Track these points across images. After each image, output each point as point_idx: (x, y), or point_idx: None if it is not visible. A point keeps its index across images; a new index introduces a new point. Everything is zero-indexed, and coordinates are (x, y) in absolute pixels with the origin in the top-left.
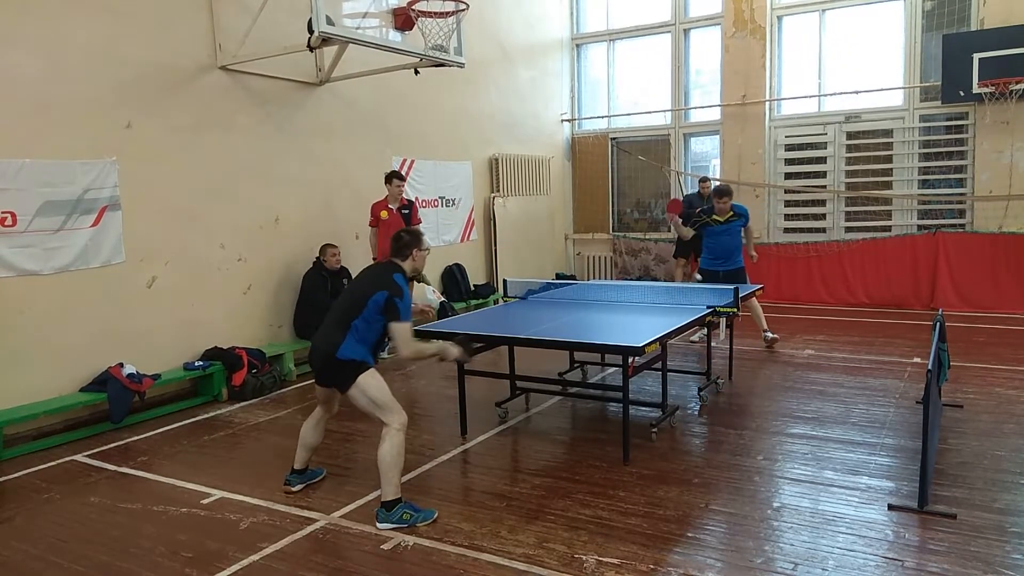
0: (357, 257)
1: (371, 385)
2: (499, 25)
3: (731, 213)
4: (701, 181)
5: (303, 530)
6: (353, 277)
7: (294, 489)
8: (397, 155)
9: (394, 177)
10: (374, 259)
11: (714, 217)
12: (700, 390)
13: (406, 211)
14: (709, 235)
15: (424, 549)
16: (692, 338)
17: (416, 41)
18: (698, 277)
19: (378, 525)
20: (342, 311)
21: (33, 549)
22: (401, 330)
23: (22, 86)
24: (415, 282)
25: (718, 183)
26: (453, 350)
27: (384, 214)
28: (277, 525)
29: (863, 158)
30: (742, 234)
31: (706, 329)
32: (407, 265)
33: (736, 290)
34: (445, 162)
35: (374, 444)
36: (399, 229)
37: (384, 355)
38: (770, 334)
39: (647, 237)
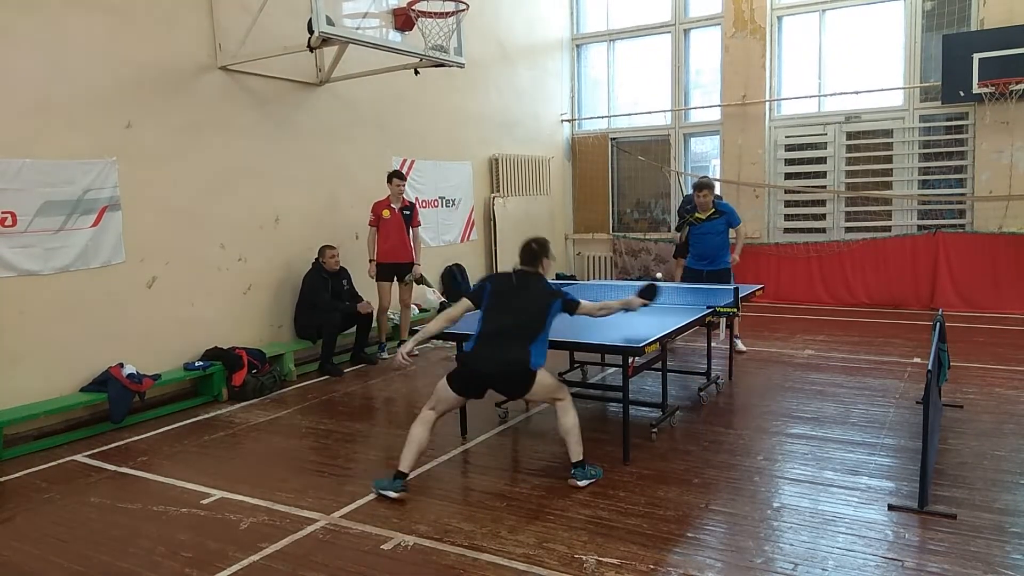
0: (357, 257)
1: (544, 375)
2: (499, 25)
3: (713, 210)
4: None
5: (303, 530)
6: (489, 286)
7: (395, 495)
8: (397, 155)
9: (395, 177)
10: (371, 260)
11: (696, 215)
12: (700, 390)
13: (407, 212)
14: (693, 234)
15: (424, 549)
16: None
17: (416, 41)
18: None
19: (577, 483)
20: (519, 329)
21: (33, 549)
22: (585, 304)
23: (22, 86)
24: (415, 284)
25: (717, 183)
26: (636, 301)
27: (386, 213)
28: (277, 525)
29: (863, 158)
30: (730, 234)
31: (726, 331)
32: (540, 271)
33: (736, 290)
34: (445, 162)
35: (374, 444)
36: (528, 239)
37: (384, 355)
38: (740, 344)
39: (647, 237)
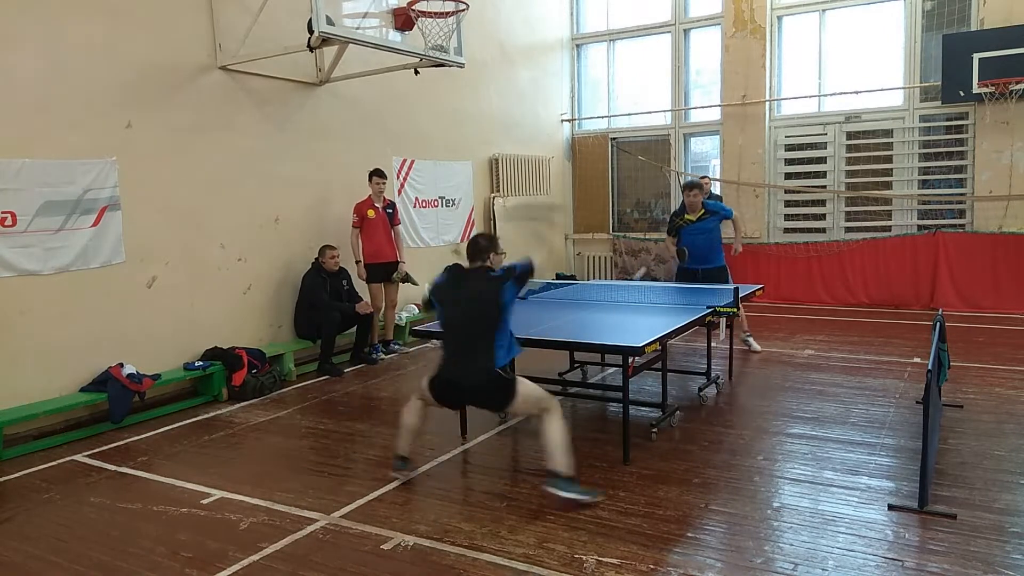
0: (354, 258)
1: (526, 387)
2: (499, 25)
3: (703, 211)
4: (701, 179)
5: (303, 530)
6: (457, 293)
7: (401, 476)
8: (397, 155)
9: (375, 175)
10: (357, 261)
11: (686, 217)
12: (700, 390)
13: (390, 211)
14: (684, 235)
15: (424, 549)
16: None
17: (416, 41)
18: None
19: (562, 495)
20: (477, 330)
21: (33, 549)
22: (528, 262)
23: (22, 86)
24: (411, 283)
25: (717, 182)
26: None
27: (371, 213)
28: (277, 525)
29: (863, 158)
30: (720, 232)
31: (726, 331)
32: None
33: (736, 290)
34: (445, 162)
35: (374, 444)
36: (475, 235)
37: (382, 356)
38: (752, 341)
39: (647, 237)
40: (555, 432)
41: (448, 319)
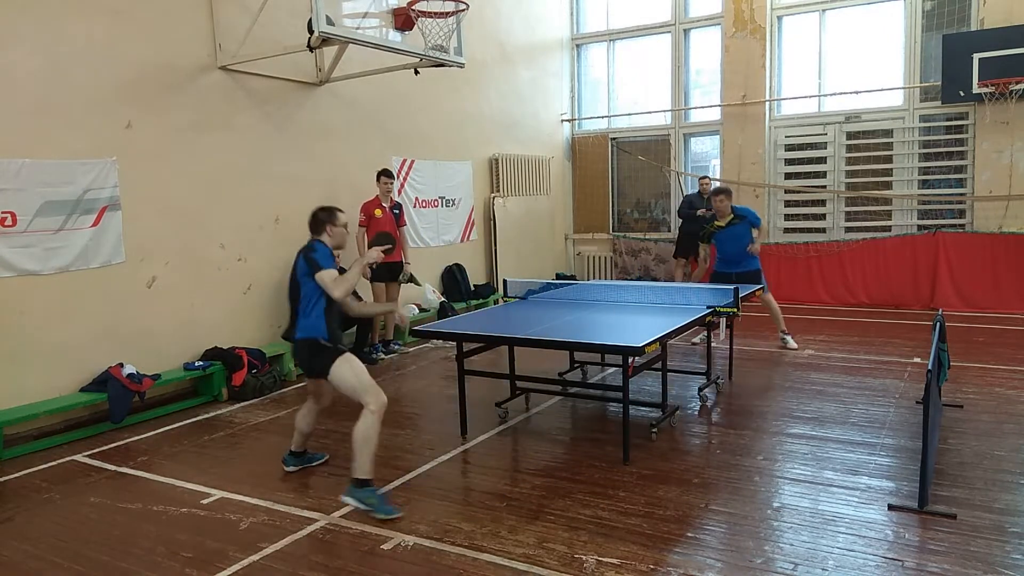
0: (356, 257)
1: (346, 369)
2: (499, 25)
3: (732, 216)
4: (701, 179)
5: (303, 530)
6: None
7: (288, 469)
8: (397, 155)
9: (384, 175)
10: None
11: (716, 223)
12: (700, 390)
13: (396, 211)
14: (717, 240)
15: (424, 549)
16: (693, 340)
17: (416, 41)
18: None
19: (342, 497)
20: (292, 302)
21: (33, 549)
22: (326, 275)
23: (22, 86)
24: (415, 284)
25: (717, 182)
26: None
27: (378, 212)
28: (277, 525)
29: (863, 158)
30: (752, 235)
31: (706, 331)
32: (324, 239)
33: (736, 290)
34: (445, 162)
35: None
36: (317, 207)
37: (382, 356)
38: (789, 339)
39: (647, 237)
40: (361, 430)
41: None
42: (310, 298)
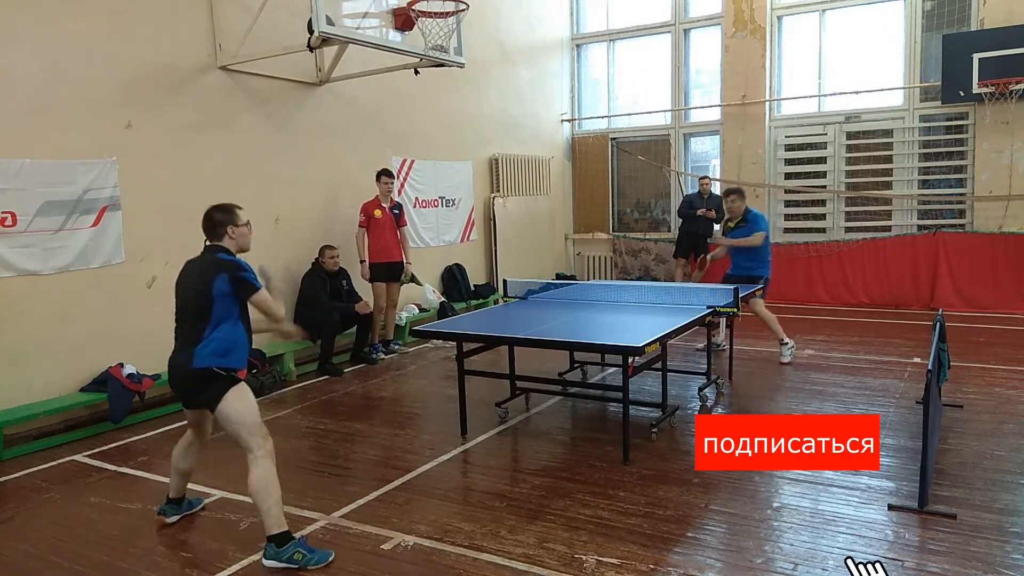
0: (357, 258)
1: (238, 406)
2: (499, 25)
3: (743, 220)
4: (701, 179)
5: (303, 530)
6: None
7: (168, 520)
8: (397, 155)
9: (384, 175)
10: (362, 261)
11: (727, 224)
12: (700, 390)
13: (396, 211)
14: None
15: (424, 549)
16: (717, 341)
17: (416, 41)
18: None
19: (264, 562)
20: (184, 322)
21: (33, 549)
22: (263, 299)
23: (22, 86)
24: (415, 284)
25: (717, 182)
26: (291, 328)
27: (378, 213)
28: None
29: (863, 158)
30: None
31: (727, 331)
32: (227, 243)
33: (736, 290)
34: (445, 162)
35: (374, 444)
36: (210, 207)
37: (382, 356)
38: (788, 350)
39: (647, 237)
40: (259, 480)
41: (176, 302)
42: (219, 321)
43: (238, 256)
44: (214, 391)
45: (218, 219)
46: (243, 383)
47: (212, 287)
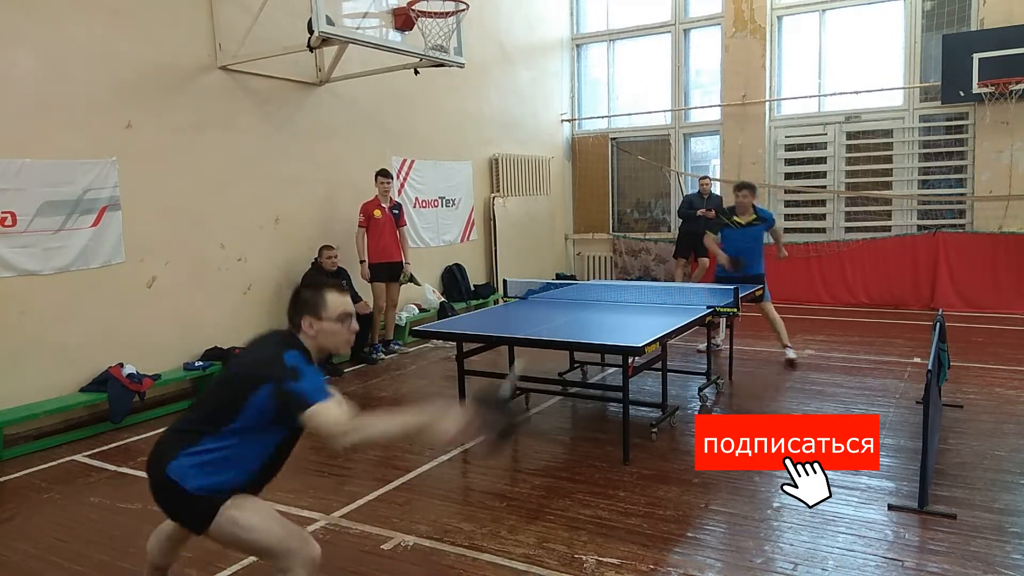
0: (356, 257)
1: (235, 524)
2: (499, 25)
3: (753, 216)
4: (701, 179)
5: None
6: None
7: None
8: (397, 155)
9: (381, 175)
10: (361, 261)
11: (734, 219)
12: (700, 390)
13: (396, 211)
14: (726, 239)
15: (424, 549)
16: (716, 341)
17: (416, 41)
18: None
19: None
20: (192, 418)
21: (33, 549)
22: (322, 415)
23: (22, 86)
24: (415, 284)
25: (717, 182)
26: (453, 421)
27: (377, 213)
28: None
29: (863, 158)
30: (764, 239)
31: (726, 331)
32: (303, 339)
33: (736, 290)
34: (445, 162)
35: (374, 444)
36: (305, 278)
37: (382, 356)
38: (791, 352)
39: (647, 237)
40: None
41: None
42: (242, 432)
43: (315, 356)
44: (196, 513)
45: (299, 301)
46: (235, 497)
47: (252, 381)
